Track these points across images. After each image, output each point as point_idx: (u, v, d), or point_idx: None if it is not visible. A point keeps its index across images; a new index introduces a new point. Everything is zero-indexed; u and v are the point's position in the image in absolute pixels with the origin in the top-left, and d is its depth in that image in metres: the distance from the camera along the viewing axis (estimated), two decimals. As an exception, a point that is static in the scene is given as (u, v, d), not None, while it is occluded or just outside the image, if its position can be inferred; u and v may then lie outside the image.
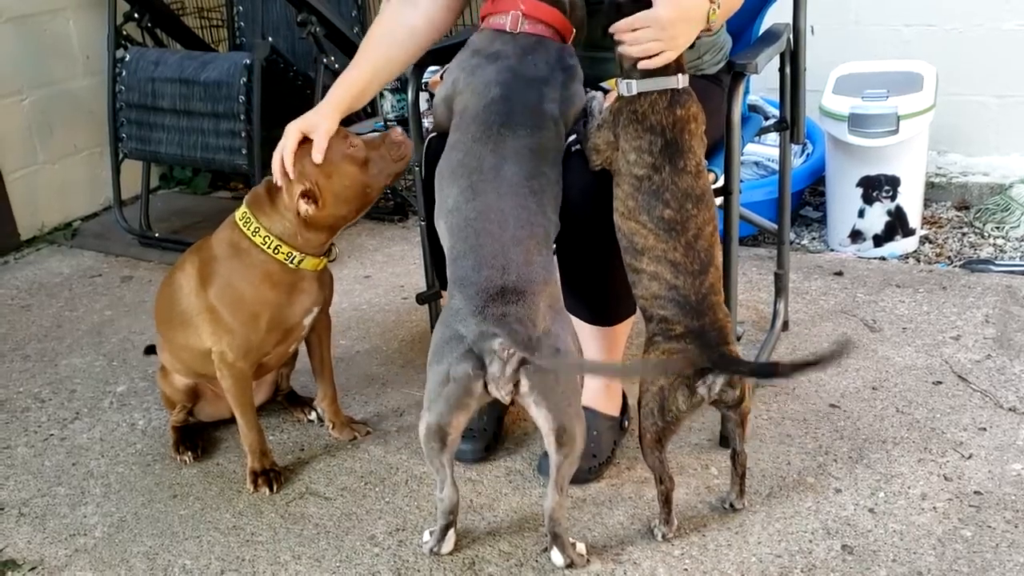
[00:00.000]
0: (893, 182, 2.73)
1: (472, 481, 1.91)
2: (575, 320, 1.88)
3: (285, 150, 1.74)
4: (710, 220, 1.60)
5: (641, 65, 1.57)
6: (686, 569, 1.64)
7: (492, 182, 1.59)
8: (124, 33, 3.22)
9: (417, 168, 1.99)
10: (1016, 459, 1.85)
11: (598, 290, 1.83)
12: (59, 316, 2.85)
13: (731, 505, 1.76)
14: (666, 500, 1.69)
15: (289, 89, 3.24)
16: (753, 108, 2.69)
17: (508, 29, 1.69)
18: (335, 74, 3.06)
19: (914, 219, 2.79)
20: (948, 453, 1.88)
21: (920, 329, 2.36)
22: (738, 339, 1.99)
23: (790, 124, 2.15)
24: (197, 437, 2.10)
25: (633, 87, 1.60)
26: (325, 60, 3.05)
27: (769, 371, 1.81)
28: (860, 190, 2.76)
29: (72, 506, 1.95)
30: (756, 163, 3.00)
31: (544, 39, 1.69)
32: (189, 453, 2.05)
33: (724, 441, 1.93)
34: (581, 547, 1.67)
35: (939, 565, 1.60)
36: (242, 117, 2.87)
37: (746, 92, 2.04)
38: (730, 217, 1.84)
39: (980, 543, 1.64)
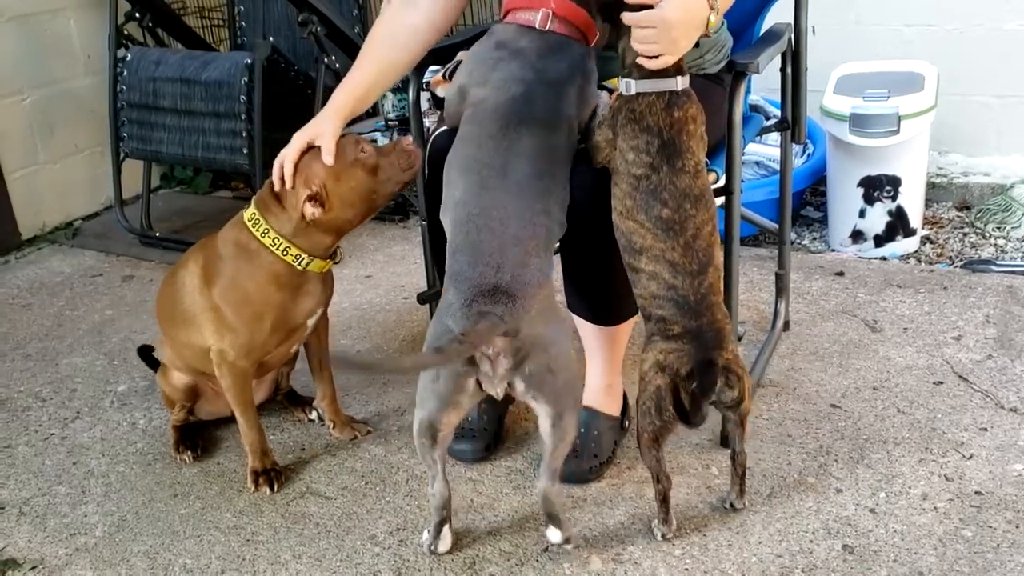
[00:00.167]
0: (894, 182, 2.73)
1: (473, 481, 1.90)
2: (577, 319, 1.89)
3: (287, 158, 1.74)
4: (709, 220, 1.60)
5: (640, 63, 1.57)
6: (687, 569, 1.64)
7: (502, 179, 1.59)
8: (125, 33, 3.22)
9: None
10: (1017, 459, 1.85)
11: (600, 290, 1.83)
12: (60, 315, 2.85)
13: (731, 505, 1.76)
14: (664, 499, 1.69)
15: (290, 89, 3.24)
16: (754, 108, 2.69)
17: (537, 26, 1.68)
18: (336, 74, 3.09)
19: (915, 219, 2.79)
20: (949, 453, 1.88)
21: (921, 329, 2.36)
22: (739, 339, 1.99)
23: (791, 124, 2.15)
24: (198, 436, 2.10)
25: (632, 87, 1.60)
26: (326, 60, 3.05)
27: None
28: (861, 190, 2.76)
29: (73, 505, 1.95)
30: (757, 163, 3.00)
31: (570, 40, 1.68)
32: (189, 452, 2.05)
33: (725, 441, 1.92)
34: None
35: (940, 565, 1.60)
36: (243, 117, 2.87)
37: (747, 92, 2.04)
38: (731, 217, 1.84)
39: (981, 543, 1.64)
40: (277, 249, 1.79)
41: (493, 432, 1.99)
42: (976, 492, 1.77)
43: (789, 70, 2.09)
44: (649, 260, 1.59)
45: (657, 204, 1.57)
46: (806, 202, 3.16)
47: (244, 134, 2.89)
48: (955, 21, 3.05)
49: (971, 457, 1.87)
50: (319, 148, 1.74)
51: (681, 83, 1.60)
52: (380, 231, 3.25)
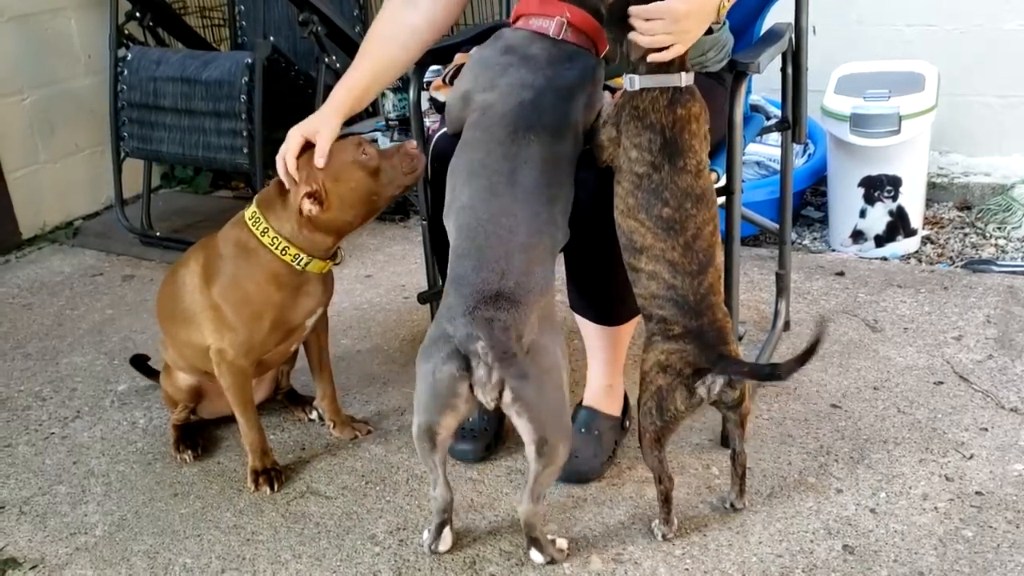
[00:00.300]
0: (895, 182, 2.73)
1: (473, 480, 1.90)
2: (579, 319, 1.88)
3: (287, 154, 1.73)
4: (710, 220, 1.60)
5: (650, 58, 1.56)
6: (687, 569, 1.64)
7: (511, 186, 1.58)
8: (126, 32, 3.22)
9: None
10: (1017, 459, 1.85)
11: (603, 290, 1.82)
12: (60, 315, 2.85)
13: (732, 505, 1.76)
14: (666, 499, 1.68)
15: (290, 88, 3.24)
16: (755, 108, 2.69)
17: (552, 34, 1.67)
18: (336, 73, 3.08)
19: (916, 219, 2.79)
20: (949, 453, 1.88)
21: (922, 329, 2.36)
22: (739, 339, 1.99)
23: (792, 124, 2.15)
24: (198, 436, 2.10)
25: (636, 82, 1.60)
26: (327, 59, 3.05)
27: (768, 373, 1.74)
28: (862, 190, 2.76)
29: (73, 504, 1.95)
30: (758, 163, 3.00)
31: (582, 50, 1.68)
32: (190, 452, 2.05)
33: (725, 441, 1.92)
34: (562, 543, 1.68)
35: (940, 565, 1.60)
36: (243, 116, 2.87)
37: (748, 92, 2.04)
38: (732, 217, 1.84)
39: (981, 543, 1.64)
40: (276, 248, 1.79)
41: (494, 432, 1.99)
42: (977, 492, 1.77)
43: (790, 70, 2.09)
44: (649, 260, 1.59)
45: (658, 203, 1.57)
46: (807, 202, 3.16)
47: (244, 134, 2.89)
48: (956, 21, 3.05)
49: (971, 457, 1.86)
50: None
51: (685, 79, 1.59)
52: (380, 231, 3.25)
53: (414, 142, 1.82)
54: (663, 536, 1.70)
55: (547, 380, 1.52)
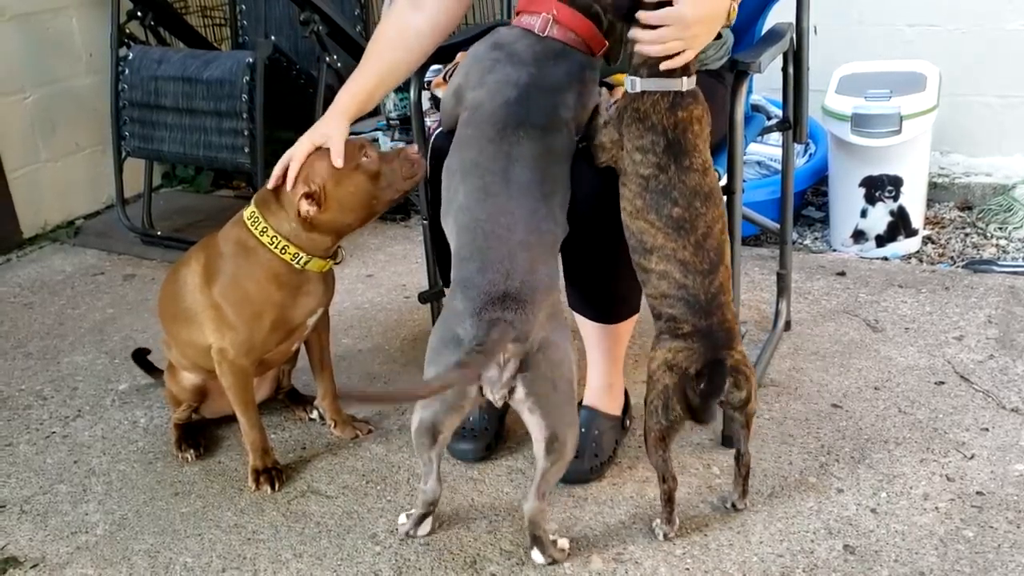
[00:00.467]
0: (896, 182, 2.73)
1: (474, 480, 1.91)
2: (578, 318, 1.89)
3: (294, 158, 1.74)
4: (719, 218, 1.60)
5: (662, 65, 1.57)
6: (687, 568, 1.64)
7: (505, 185, 1.59)
8: (127, 31, 3.22)
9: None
10: (1018, 459, 1.85)
11: (602, 288, 1.82)
12: (61, 314, 2.85)
13: (733, 505, 1.76)
14: (669, 499, 1.68)
15: (292, 88, 3.24)
16: (756, 108, 2.69)
17: (536, 31, 1.68)
18: (337, 73, 3.08)
19: (917, 219, 2.79)
20: (950, 453, 1.88)
21: (923, 329, 2.36)
22: (741, 338, 1.99)
23: (793, 124, 2.15)
24: (199, 435, 2.10)
25: (638, 85, 1.60)
26: (328, 59, 3.05)
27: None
28: (863, 190, 2.76)
29: (74, 504, 1.95)
30: (759, 163, 3.00)
31: (569, 48, 1.68)
32: (191, 451, 2.05)
33: (726, 440, 1.92)
34: (563, 542, 1.68)
35: (941, 565, 1.60)
36: (245, 116, 2.87)
37: (749, 91, 2.04)
38: (733, 217, 1.84)
39: (982, 544, 1.64)
40: (275, 248, 1.79)
41: (494, 432, 1.99)
42: (977, 492, 1.77)
43: (791, 70, 2.09)
44: (660, 259, 1.59)
45: (668, 203, 1.57)
46: (808, 202, 3.16)
47: (246, 133, 2.88)
48: (957, 21, 3.05)
49: (972, 457, 1.86)
50: (324, 149, 1.74)
51: (687, 84, 1.59)
52: (381, 230, 3.25)
53: (415, 146, 1.82)
54: (664, 536, 1.70)
55: (558, 376, 1.54)
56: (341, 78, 3.22)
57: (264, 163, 2.86)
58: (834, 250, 2.88)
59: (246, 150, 2.90)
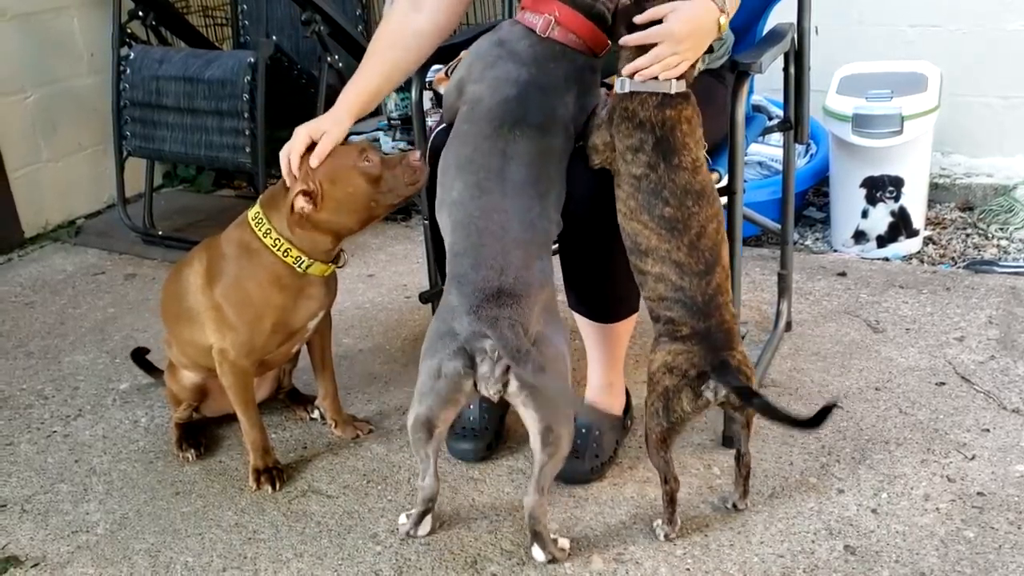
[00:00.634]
0: (897, 183, 2.73)
1: (474, 480, 1.91)
2: (577, 318, 1.89)
3: (292, 152, 1.74)
4: (713, 217, 1.60)
5: (661, 77, 1.58)
6: (688, 569, 1.64)
7: (499, 182, 1.59)
8: (128, 31, 3.22)
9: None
10: (1019, 460, 1.85)
11: (599, 288, 1.83)
12: (62, 313, 2.85)
13: (734, 505, 1.76)
14: (671, 500, 1.68)
15: (293, 87, 3.24)
16: (757, 108, 2.69)
17: (538, 32, 1.68)
18: (339, 73, 3.09)
19: (918, 220, 2.79)
20: (951, 454, 1.88)
21: (923, 330, 2.36)
22: (741, 339, 1.99)
23: (794, 124, 2.15)
24: (200, 435, 2.10)
25: (627, 85, 1.61)
26: (329, 59, 3.05)
27: (750, 398, 1.59)
28: (864, 191, 2.76)
29: (75, 503, 1.95)
30: (760, 163, 3.00)
31: (570, 49, 1.68)
32: (192, 451, 2.05)
33: (727, 441, 1.92)
34: (564, 542, 1.68)
35: (942, 566, 1.60)
36: (246, 115, 2.87)
37: (750, 92, 2.04)
38: (734, 217, 1.84)
39: (983, 544, 1.64)
40: (278, 250, 1.79)
41: (495, 432, 1.99)
42: (978, 493, 1.77)
43: (792, 70, 2.09)
44: (655, 261, 1.59)
45: (659, 203, 1.57)
46: (809, 202, 3.16)
47: (247, 133, 2.89)
48: (958, 22, 3.05)
49: (973, 458, 1.86)
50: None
51: (676, 86, 1.60)
52: (382, 230, 3.25)
53: (418, 153, 1.81)
54: (665, 536, 1.70)
55: (552, 370, 1.54)
56: (342, 78, 3.22)
57: (265, 163, 2.86)
58: (835, 251, 2.88)
59: (247, 150, 2.90)
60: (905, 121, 2.63)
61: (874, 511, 1.74)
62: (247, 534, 1.81)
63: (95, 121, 3.54)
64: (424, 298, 2.20)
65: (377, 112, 3.41)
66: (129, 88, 3.13)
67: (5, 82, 3.29)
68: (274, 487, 1.92)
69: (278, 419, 2.17)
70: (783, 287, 2.34)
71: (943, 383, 2.13)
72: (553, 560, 1.66)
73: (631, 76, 1.61)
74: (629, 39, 1.59)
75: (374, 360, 2.42)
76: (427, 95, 3.28)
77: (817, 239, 2.97)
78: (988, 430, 1.95)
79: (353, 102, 1.79)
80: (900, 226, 2.78)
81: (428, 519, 1.75)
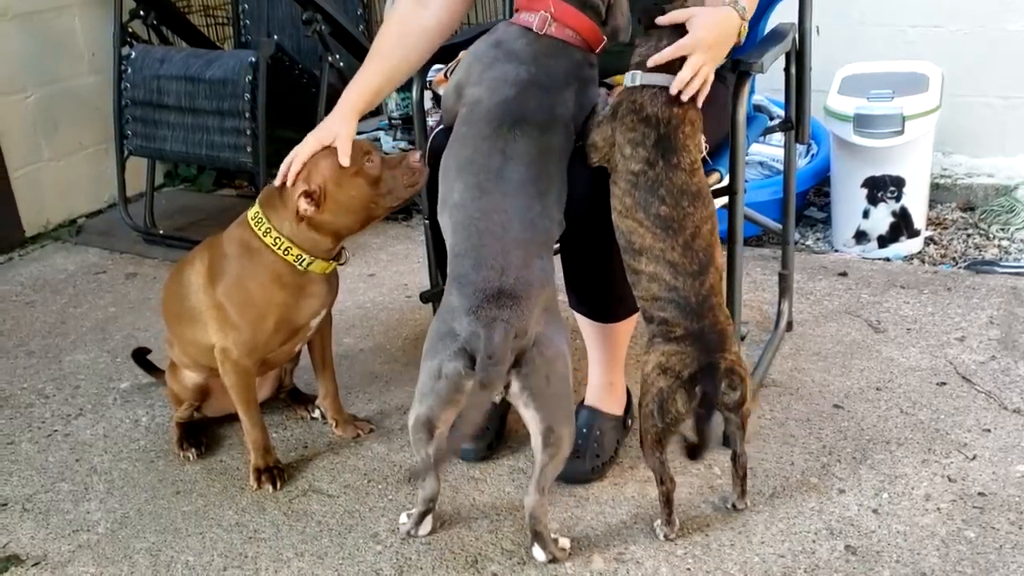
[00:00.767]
0: (898, 183, 2.73)
1: (475, 479, 1.91)
2: (578, 317, 1.89)
3: (298, 157, 1.74)
4: (708, 219, 1.60)
5: (697, 88, 1.60)
6: (689, 568, 1.64)
7: (498, 182, 1.59)
8: (130, 31, 3.23)
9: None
10: (1020, 460, 1.85)
11: (600, 288, 1.82)
12: (63, 312, 2.85)
13: (733, 506, 1.76)
14: (667, 501, 1.68)
15: (294, 87, 3.24)
16: (758, 108, 2.69)
17: (535, 29, 1.68)
18: (340, 72, 3.08)
19: (919, 220, 2.79)
20: (952, 454, 1.88)
21: (924, 330, 2.36)
22: (742, 339, 1.99)
23: (795, 124, 2.15)
24: (201, 434, 2.10)
25: (638, 78, 1.61)
26: (330, 58, 3.05)
27: (708, 412, 1.59)
28: (865, 191, 2.76)
29: (75, 502, 1.95)
30: (761, 163, 3.00)
31: (568, 45, 1.68)
32: (193, 450, 2.05)
33: (727, 440, 1.92)
34: (564, 542, 1.68)
35: (943, 566, 1.60)
36: (247, 115, 2.87)
37: (751, 92, 2.04)
38: (735, 217, 1.84)
39: (984, 544, 1.64)
40: (279, 249, 1.79)
41: (495, 431, 1.99)
42: (979, 493, 1.77)
43: (793, 70, 2.09)
44: (649, 261, 1.59)
45: (655, 201, 1.57)
46: (810, 202, 3.16)
47: (248, 132, 2.89)
48: (959, 22, 3.05)
49: (974, 458, 1.86)
50: (328, 148, 1.74)
51: None
52: (383, 229, 3.25)
53: (418, 154, 1.81)
54: (665, 536, 1.70)
55: (552, 370, 1.54)
56: (343, 78, 3.22)
57: (266, 163, 2.86)
58: (836, 251, 2.88)
59: (248, 149, 2.90)
60: (906, 121, 2.62)
61: (875, 511, 1.74)
62: (248, 533, 1.81)
63: (96, 120, 3.54)
64: (425, 298, 2.20)
65: (378, 112, 3.41)
66: (130, 87, 3.13)
67: (6, 81, 3.29)
68: (275, 486, 1.92)
69: (279, 418, 2.17)
70: (784, 287, 2.34)
71: (944, 383, 2.13)
72: (554, 560, 1.66)
73: (643, 69, 1.61)
74: (662, 55, 1.59)
75: (375, 359, 2.42)
76: (427, 95, 3.27)
77: (818, 239, 2.97)
78: (989, 430, 1.95)
79: (357, 100, 1.79)
80: (901, 226, 2.77)
81: (429, 519, 1.75)
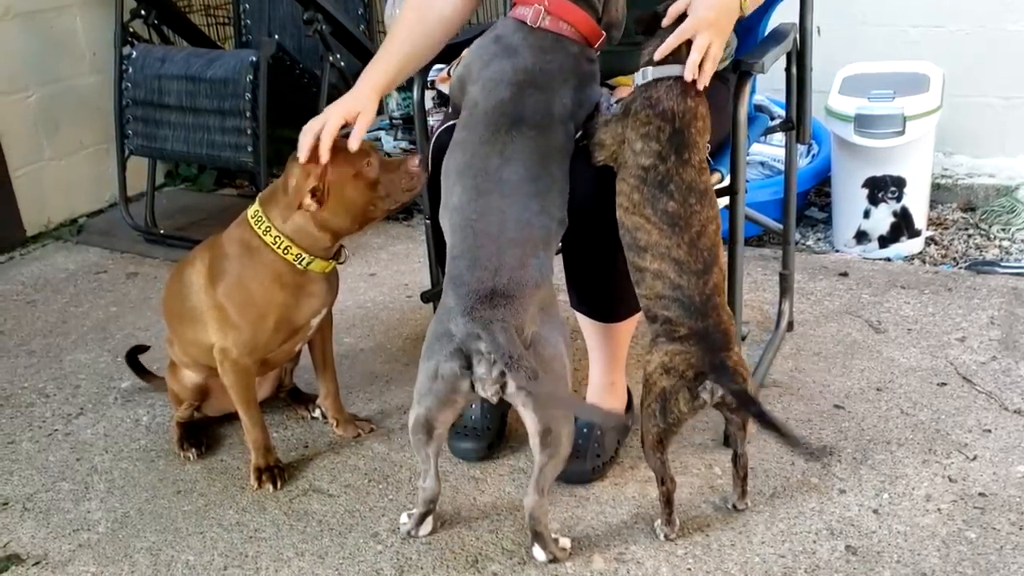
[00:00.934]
0: (899, 183, 2.73)
1: (476, 479, 1.91)
2: (579, 317, 1.89)
3: (326, 132, 1.70)
4: (713, 219, 1.60)
5: (709, 69, 1.59)
6: (689, 568, 1.64)
7: (496, 184, 1.59)
8: (131, 30, 3.23)
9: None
10: (1021, 461, 1.85)
11: (601, 287, 1.82)
12: (64, 312, 2.85)
13: (734, 506, 1.76)
14: (668, 501, 1.68)
15: (295, 87, 3.24)
16: (759, 108, 2.69)
17: (529, 23, 1.68)
18: (341, 72, 3.08)
19: (920, 220, 2.78)
20: (953, 455, 1.88)
21: (925, 330, 2.36)
22: (743, 339, 1.99)
23: (796, 124, 2.15)
24: (201, 433, 2.10)
25: (649, 73, 1.62)
26: (331, 58, 3.05)
27: (749, 407, 1.58)
28: (866, 191, 2.76)
29: (76, 501, 1.95)
30: (762, 163, 3.00)
31: (563, 39, 1.67)
32: (193, 449, 2.05)
33: (727, 441, 1.92)
34: (565, 542, 1.68)
35: (943, 567, 1.60)
36: (248, 114, 2.87)
37: (752, 92, 2.04)
38: (735, 217, 1.84)
39: (984, 545, 1.64)
40: (278, 248, 1.79)
41: (496, 431, 1.99)
42: (980, 494, 1.77)
43: (794, 70, 2.09)
44: (655, 258, 1.59)
45: (664, 197, 1.57)
46: (810, 202, 3.16)
47: (249, 132, 2.89)
48: (960, 22, 3.05)
49: (975, 458, 1.86)
50: (334, 145, 1.73)
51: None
52: (384, 229, 3.25)
53: (417, 159, 1.81)
54: (665, 536, 1.70)
55: (549, 370, 1.53)
56: (345, 77, 3.23)
57: (267, 162, 2.86)
58: (837, 251, 2.88)
59: (249, 149, 2.90)
60: (907, 121, 2.62)
61: (875, 511, 1.74)
62: (248, 533, 1.81)
63: (97, 120, 3.54)
64: (425, 297, 2.20)
65: (380, 111, 3.40)
66: (131, 87, 3.13)
67: (7, 81, 3.29)
68: (275, 486, 1.92)
69: (280, 418, 2.18)
70: (785, 287, 2.34)
71: (945, 383, 2.12)
72: (554, 560, 1.66)
73: (654, 64, 1.62)
74: (667, 44, 1.60)
75: (375, 359, 2.42)
76: (429, 94, 3.28)
77: (819, 239, 2.97)
78: (990, 431, 1.95)
79: (378, 78, 1.77)
80: (902, 226, 2.77)
81: (429, 519, 1.75)
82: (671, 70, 1.60)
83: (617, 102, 1.70)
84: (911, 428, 1.97)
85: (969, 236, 2.90)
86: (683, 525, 1.72)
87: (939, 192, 3.06)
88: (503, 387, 1.52)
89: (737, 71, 1.79)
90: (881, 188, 2.74)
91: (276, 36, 3.47)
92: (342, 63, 3.08)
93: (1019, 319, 2.37)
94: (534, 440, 1.57)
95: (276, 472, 1.93)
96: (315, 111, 2.40)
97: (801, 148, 2.98)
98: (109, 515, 1.90)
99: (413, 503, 1.82)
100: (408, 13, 1.85)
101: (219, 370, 1.88)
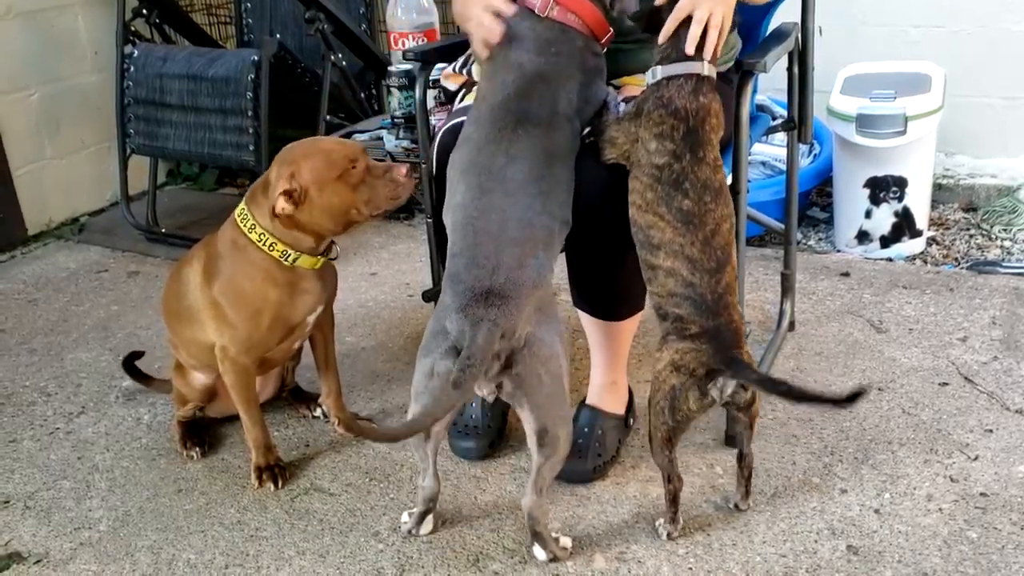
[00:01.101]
0: (900, 183, 2.73)
1: (476, 478, 1.91)
2: (581, 315, 1.89)
3: (491, 33, 1.67)
4: (727, 217, 1.60)
5: (712, 41, 1.59)
6: (690, 568, 1.64)
7: (500, 183, 1.59)
8: (132, 29, 3.23)
9: (424, 165, 1.98)
10: (1022, 461, 1.85)
11: (604, 286, 1.82)
12: (65, 311, 2.85)
13: (736, 506, 1.76)
14: (673, 499, 1.68)
15: (296, 86, 3.24)
16: (761, 108, 2.69)
17: (536, 11, 1.67)
18: (342, 71, 3.09)
19: (921, 220, 2.78)
20: (954, 454, 1.88)
21: (927, 330, 2.36)
22: (745, 339, 1.98)
23: (798, 124, 2.15)
24: (202, 432, 2.10)
25: (659, 72, 1.61)
26: (332, 57, 3.05)
27: (777, 388, 1.58)
28: (867, 191, 2.76)
29: (77, 500, 1.95)
30: (763, 163, 3.00)
31: (570, 30, 1.66)
32: (197, 449, 2.05)
33: (729, 440, 1.92)
34: (566, 541, 1.68)
35: (944, 566, 1.60)
36: (249, 113, 2.88)
37: (754, 91, 2.04)
38: (738, 216, 1.83)
39: (986, 545, 1.64)
40: (264, 245, 1.79)
41: (497, 430, 1.99)
42: (981, 493, 1.76)
43: (796, 70, 2.09)
44: (668, 256, 1.58)
45: (679, 195, 1.57)
46: (812, 202, 3.16)
47: (250, 131, 2.89)
48: (962, 22, 3.05)
49: (976, 458, 1.86)
50: (314, 148, 1.72)
51: (708, 68, 1.60)
52: (385, 228, 3.25)
53: (404, 168, 1.80)
54: (668, 535, 1.70)
55: (546, 370, 1.53)
56: (346, 77, 3.23)
57: (268, 161, 2.86)
58: (838, 251, 2.88)
59: (251, 148, 2.90)
60: (909, 121, 2.62)
61: (877, 511, 1.74)
62: (249, 531, 1.81)
63: (99, 119, 3.55)
64: (427, 296, 2.20)
65: (381, 110, 3.40)
66: (133, 86, 3.13)
67: (9, 80, 3.30)
68: (276, 485, 1.92)
69: (281, 417, 2.18)
70: (786, 287, 2.34)
71: (946, 383, 2.12)
72: (555, 559, 1.66)
73: (664, 63, 1.62)
74: (667, 27, 1.59)
75: (377, 358, 2.42)
76: (431, 93, 3.27)
77: (820, 239, 2.97)
78: (991, 431, 1.95)
79: None
80: (904, 226, 2.77)
81: (430, 518, 1.75)
82: (679, 68, 1.59)
83: (624, 100, 1.69)
84: (913, 428, 1.97)
85: (971, 236, 2.90)
86: (684, 524, 1.72)
87: (941, 192, 3.06)
88: (499, 386, 1.52)
89: (739, 71, 1.79)
90: (883, 188, 2.74)
91: (278, 35, 3.47)
92: (344, 62, 3.08)
93: (1021, 319, 2.37)
94: (531, 440, 1.57)
95: (277, 471, 1.93)
96: (316, 110, 2.41)
97: (803, 148, 2.98)
98: (110, 513, 1.90)
99: (414, 502, 1.82)
100: None
101: (220, 369, 1.88)
